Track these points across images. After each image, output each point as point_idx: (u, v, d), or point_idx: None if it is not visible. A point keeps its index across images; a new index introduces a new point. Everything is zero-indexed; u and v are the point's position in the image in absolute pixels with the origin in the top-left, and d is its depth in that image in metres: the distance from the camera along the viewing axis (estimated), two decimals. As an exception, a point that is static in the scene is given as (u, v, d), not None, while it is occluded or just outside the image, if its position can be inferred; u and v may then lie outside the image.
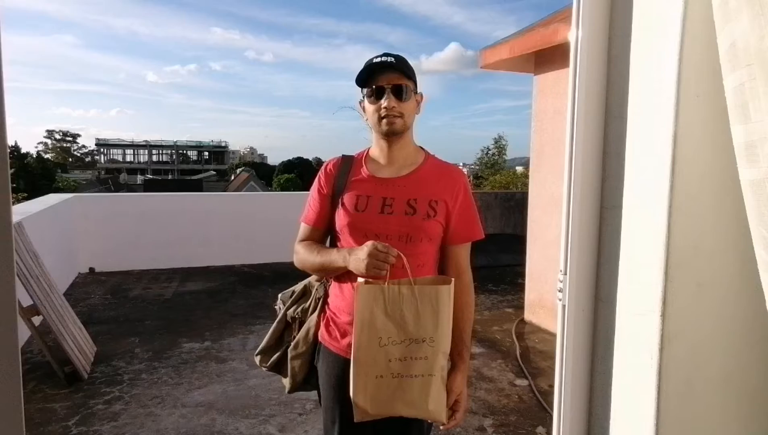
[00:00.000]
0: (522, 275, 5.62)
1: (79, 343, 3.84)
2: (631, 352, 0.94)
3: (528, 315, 5.24)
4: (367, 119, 1.57)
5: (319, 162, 59.64)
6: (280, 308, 1.80)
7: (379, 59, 1.50)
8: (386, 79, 1.47)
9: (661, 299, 0.88)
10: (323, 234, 1.66)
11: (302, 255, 1.60)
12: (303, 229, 1.67)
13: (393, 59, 1.49)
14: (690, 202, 0.85)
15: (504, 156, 16.09)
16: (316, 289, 1.71)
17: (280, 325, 1.77)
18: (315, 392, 1.71)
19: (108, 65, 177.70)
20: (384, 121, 1.48)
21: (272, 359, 1.77)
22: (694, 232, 0.87)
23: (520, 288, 5.84)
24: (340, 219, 1.55)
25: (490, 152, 15.46)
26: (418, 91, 1.57)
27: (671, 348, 0.88)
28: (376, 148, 1.60)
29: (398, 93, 1.47)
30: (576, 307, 1.03)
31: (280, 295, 1.83)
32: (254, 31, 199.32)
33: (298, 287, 1.79)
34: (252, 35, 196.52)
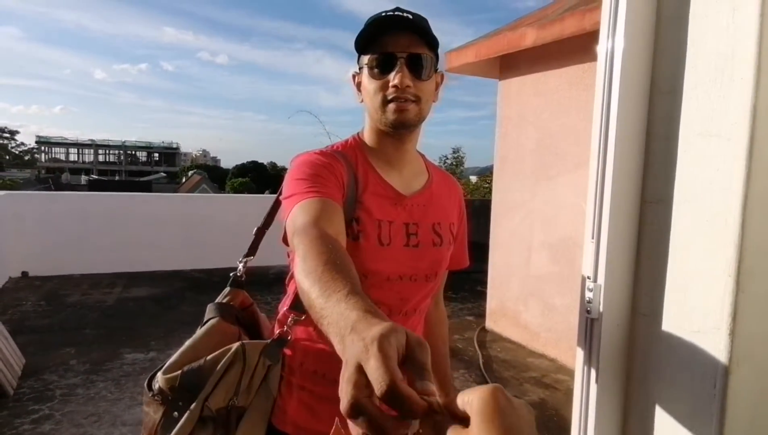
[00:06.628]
0: (481, 283, 5.56)
1: (4, 355, 3.46)
2: (685, 377, 0.80)
3: (489, 323, 5.18)
4: (362, 100, 1.07)
5: (274, 166, 58.25)
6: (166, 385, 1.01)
7: (391, 13, 1.00)
8: (400, 43, 0.98)
9: (730, 314, 0.73)
10: (342, 221, 0.95)
11: (309, 263, 0.71)
12: (308, 205, 0.91)
13: (410, 15, 1.00)
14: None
15: (462, 167, 16.12)
16: (260, 358, 1.02)
17: (186, 428, 0.97)
18: None
19: (53, 60, 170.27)
20: (392, 105, 1.00)
21: None
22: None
23: (480, 295, 5.78)
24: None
25: (448, 161, 15.45)
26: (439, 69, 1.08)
27: (740, 372, 0.74)
28: (376, 143, 1.10)
29: (415, 66, 0.99)
30: (609, 322, 0.87)
31: (161, 376, 1.01)
32: (209, 32, 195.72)
33: (221, 356, 1.01)
34: (206, 36, 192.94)
